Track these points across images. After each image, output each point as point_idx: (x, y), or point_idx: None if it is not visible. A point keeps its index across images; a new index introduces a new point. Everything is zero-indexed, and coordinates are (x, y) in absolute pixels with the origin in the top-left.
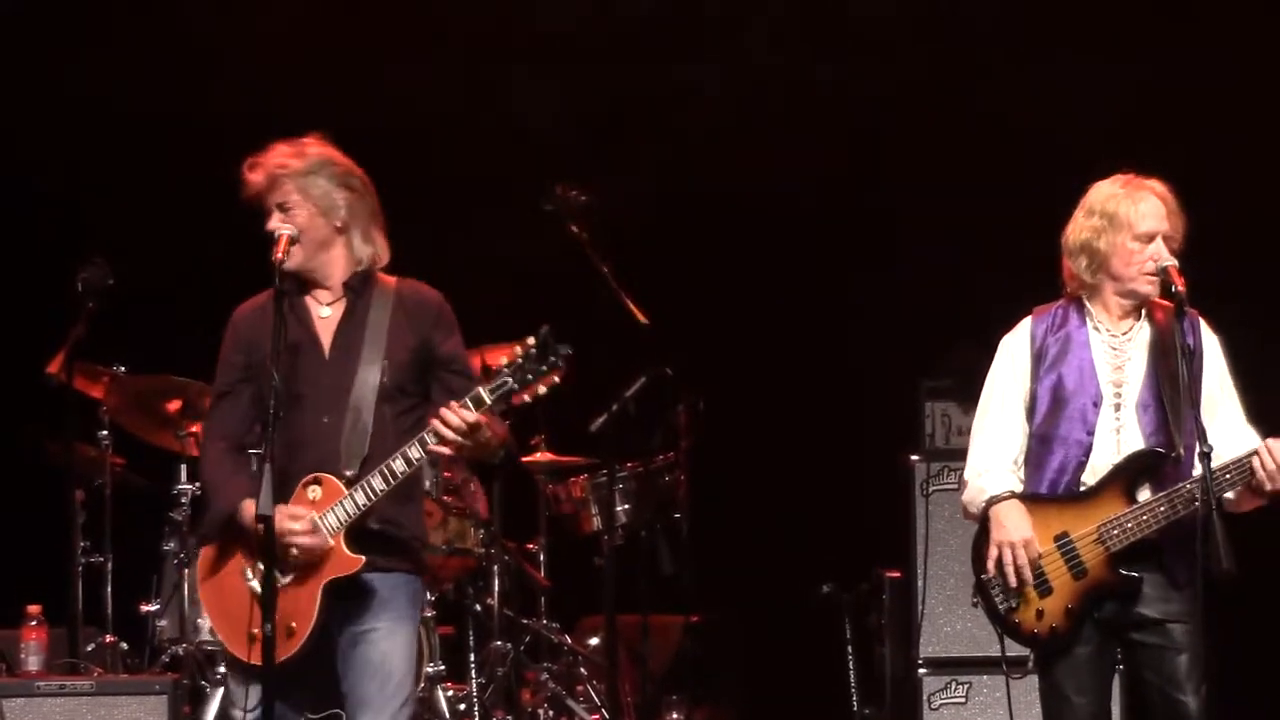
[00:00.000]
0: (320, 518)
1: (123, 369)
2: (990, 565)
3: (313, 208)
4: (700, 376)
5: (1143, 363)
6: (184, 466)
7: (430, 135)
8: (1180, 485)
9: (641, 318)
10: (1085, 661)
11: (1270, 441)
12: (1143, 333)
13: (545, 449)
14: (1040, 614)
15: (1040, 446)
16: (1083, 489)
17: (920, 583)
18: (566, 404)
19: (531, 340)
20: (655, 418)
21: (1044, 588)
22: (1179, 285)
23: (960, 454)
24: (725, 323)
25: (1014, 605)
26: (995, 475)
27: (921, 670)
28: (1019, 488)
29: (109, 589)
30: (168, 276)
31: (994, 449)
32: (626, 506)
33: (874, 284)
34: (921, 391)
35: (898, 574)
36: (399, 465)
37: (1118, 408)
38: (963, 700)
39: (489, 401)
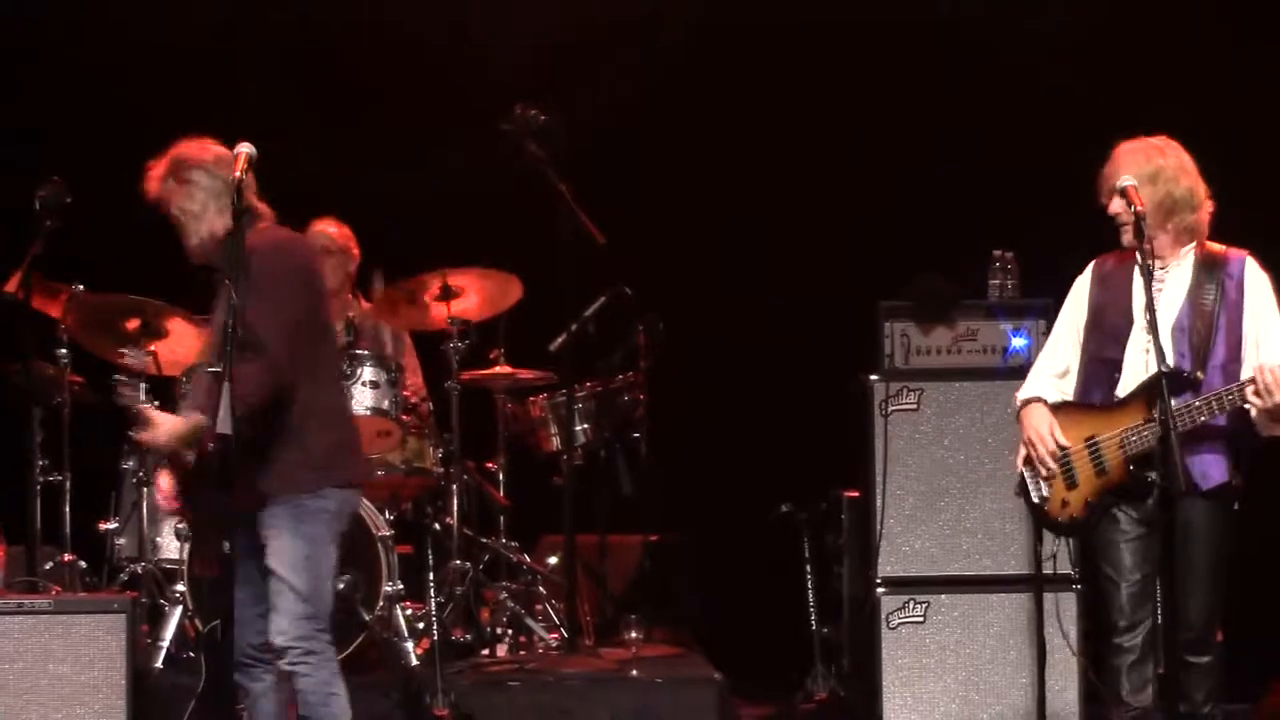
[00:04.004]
0: None
1: (81, 287)
2: (1019, 460)
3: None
4: (659, 296)
5: (1181, 292)
6: (143, 385)
7: (386, 54)
8: (1191, 402)
9: (600, 237)
10: (1122, 545)
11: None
12: (1183, 266)
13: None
14: (1065, 504)
15: (1091, 366)
16: (1115, 401)
17: (879, 502)
18: (526, 323)
19: None
20: (615, 337)
21: (1071, 481)
22: (1139, 205)
23: (918, 374)
24: (684, 243)
25: (1046, 495)
26: (1031, 383)
27: (880, 590)
28: (1050, 395)
29: (67, 508)
30: (126, 195)
31: (1041, 364)
32: (586, 426)
33: (833, 204)
34: (880, 311)
35: (856, 494)
36: None
37: (1148, 331)
38: (921, 619)
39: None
